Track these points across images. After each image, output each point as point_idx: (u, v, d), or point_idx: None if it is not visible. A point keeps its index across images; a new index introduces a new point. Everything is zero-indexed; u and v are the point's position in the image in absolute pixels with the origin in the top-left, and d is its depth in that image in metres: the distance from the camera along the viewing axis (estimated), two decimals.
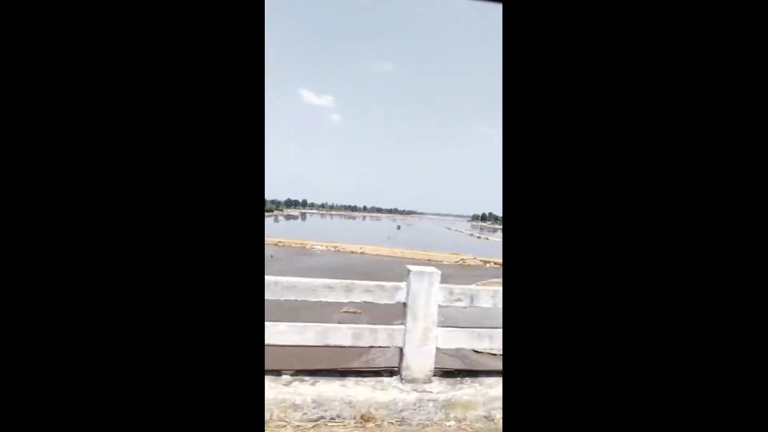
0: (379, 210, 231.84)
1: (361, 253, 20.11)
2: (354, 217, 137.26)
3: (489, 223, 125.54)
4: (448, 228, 71.21)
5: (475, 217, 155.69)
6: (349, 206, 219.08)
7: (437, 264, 19.74)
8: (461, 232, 57.74)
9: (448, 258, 19.26)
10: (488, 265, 19.81)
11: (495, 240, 44.47)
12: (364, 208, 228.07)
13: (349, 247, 20.20)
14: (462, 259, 18.99)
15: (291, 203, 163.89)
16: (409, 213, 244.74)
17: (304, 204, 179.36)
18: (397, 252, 20.75)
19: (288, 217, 72.96)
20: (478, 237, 46.46)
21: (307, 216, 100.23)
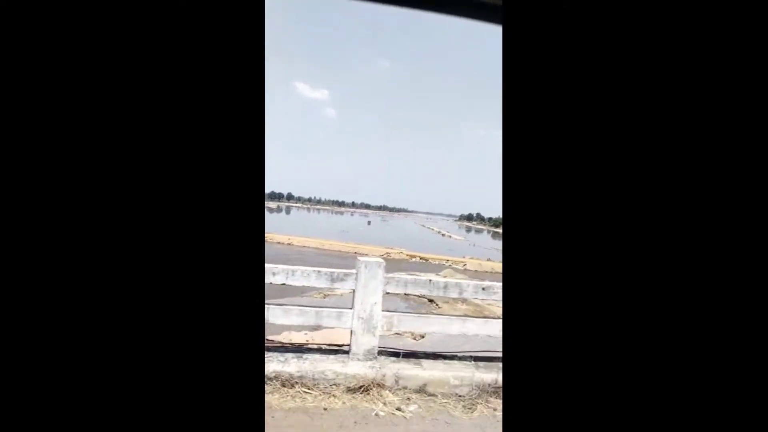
0: (368, 206, 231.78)
1: (288, 244, 19.96)
2: (342, 213, 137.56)
3: (475, 223, 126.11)
4: (423, 225, 71.29)
5: (462, 217, 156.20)
6: (337, 201, 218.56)
7: (360, 256, 19.58)
8: (432, 230, 57.72)
9: (376, 251, 19.14)
10: (413, 259, 19.75)
11: (457, 239, 44.57)
12: (353, 204, 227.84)
13: (278, 238, 20.01)
14: (387, 253, 18.87)
15: (275, 196, 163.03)
16: (399, 210, 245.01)
17: (289, 197, 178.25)
18: (326, 244, 20.65)
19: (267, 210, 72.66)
20: (443, 235, 46.43)
21: (292, 210, 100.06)
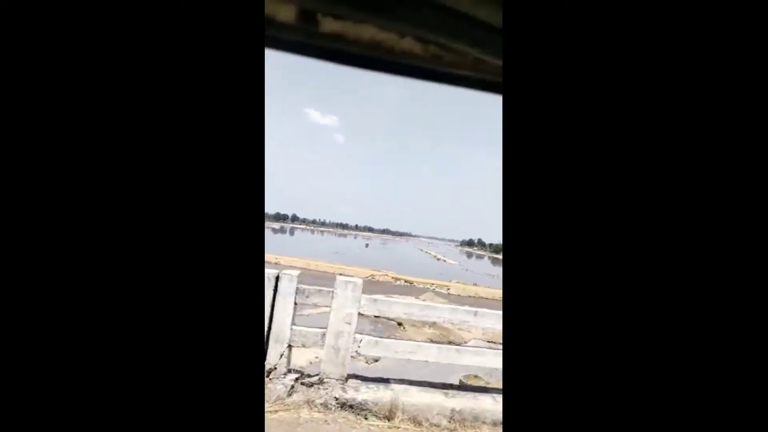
0: (371, 230, 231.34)
1: (276, 263, 20.28)
2: (345, 235, 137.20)
3: (475, 248, 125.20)
4: (421, 250, 71.01)
5: (463, 243, 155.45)
6: (341, 224, 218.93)
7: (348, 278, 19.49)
8: (429, 254, 57.65)
9: (361, 273, 19.38)
10: (398, 282, 19.88)
11: (452, 263, 44.33)
12: (356, 227, 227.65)
13: (267, 258, 20.41)
14: (372, 275, 19.09)
15: (280, 217, 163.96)
16: (401, 235, 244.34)
17: (294, 218, 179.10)
18: (312, 265, 20.91)
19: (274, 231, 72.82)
20: (438, 259, 46.38)
21: (296, 231, 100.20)
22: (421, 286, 19.26)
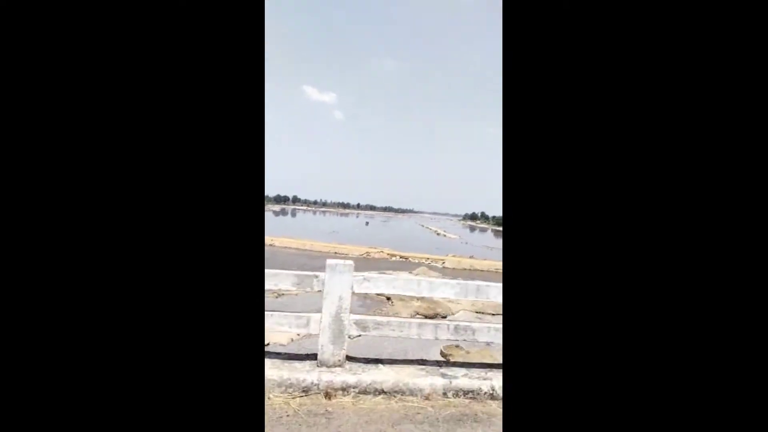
0: (373, 208, 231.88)
1: (270, 245, 20.32)
2: (347, 214, 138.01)
3: (479, 222, 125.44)
4: (423, 225, 71.23)
5: (466, 216, 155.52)
6: (343, 203, 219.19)
7: (343, 256, 19.66)
8: (430, 229, 57.73)
9: (356, 250, 19.44)
10: (393, 258, 19.96)
11: (452, 237, 44.51)
12: (358, 206, 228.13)
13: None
14: (367, 252, 19.14)
15: (280, 199, 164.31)
16: (404, 211, 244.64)
17: (295, 200, 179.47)
18: (307, 245, 20.95)
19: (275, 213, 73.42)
20: (438, 234, 46.47)
21: (298, 213, 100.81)
22: (417, 261, 19.35)
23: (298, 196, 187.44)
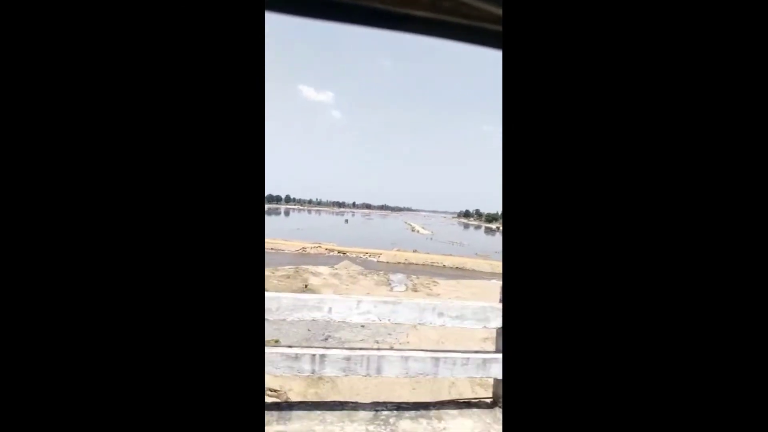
0: (368, 206, 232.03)
1: None
2: (342, 213, 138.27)
3: (472, 219, 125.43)
4: (406, 222, 71.32)
5: (460, 214, 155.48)
6: (338, 202, 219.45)
7: (277, 252, 19.76)
8: (409, 225, 57.93)
9: (293, 246, 19.62)
10: (331, 253, 20.13)
11: (423, 233, 44.48)
12: (353, 205, 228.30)
13: None
14: (303, 248, 19.33)
15: (273, 198, 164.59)
16: (400, 209, 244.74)
17: (287, 200, 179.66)
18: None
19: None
20: (413, 231, 46.66)
21: (291, 212, 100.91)
22: (354, 255, 19.53)
23: (291, 196, 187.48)
